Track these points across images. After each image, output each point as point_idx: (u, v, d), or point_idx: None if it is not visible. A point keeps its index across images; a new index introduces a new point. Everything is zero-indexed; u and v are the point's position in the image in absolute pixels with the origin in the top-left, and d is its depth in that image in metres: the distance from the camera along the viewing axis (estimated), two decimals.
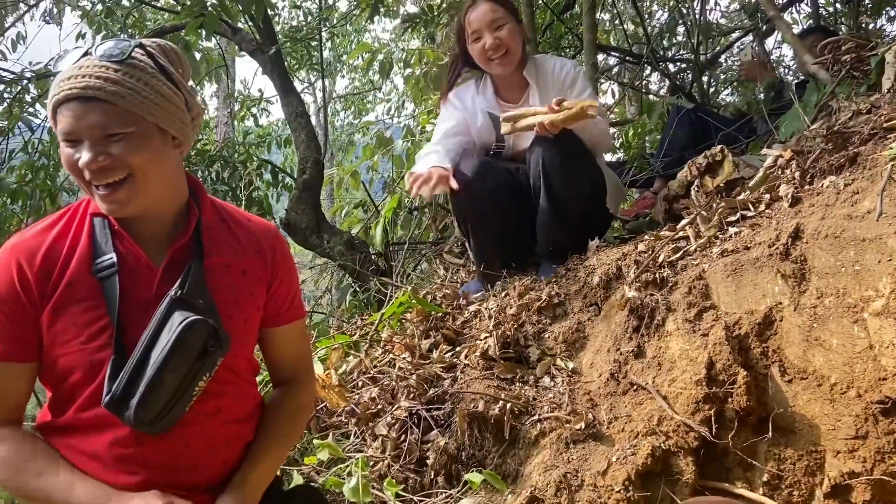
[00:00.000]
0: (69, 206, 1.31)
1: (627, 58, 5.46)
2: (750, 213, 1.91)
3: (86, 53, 1.21)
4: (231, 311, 1.31)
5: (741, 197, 1.98)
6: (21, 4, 4.93)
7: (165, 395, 1.18)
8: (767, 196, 1.91)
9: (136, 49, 1.22)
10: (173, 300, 1.21)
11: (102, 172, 1.17)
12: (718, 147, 2.12)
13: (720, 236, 1.92)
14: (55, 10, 5.53)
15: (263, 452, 1.37)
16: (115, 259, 1.23)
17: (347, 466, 1.73)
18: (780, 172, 1.94)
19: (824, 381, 1.54)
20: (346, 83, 13.87)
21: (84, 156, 1.16)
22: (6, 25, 4.84)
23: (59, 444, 1.25)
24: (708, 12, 5.69)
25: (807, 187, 1.81)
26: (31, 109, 5.35)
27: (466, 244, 2.75)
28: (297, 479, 1.70)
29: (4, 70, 5.25)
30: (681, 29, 6.27)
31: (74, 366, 1.22)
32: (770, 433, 1.57)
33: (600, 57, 5.55)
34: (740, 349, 1.67)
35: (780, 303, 1.67)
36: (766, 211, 1.88)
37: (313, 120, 5.72)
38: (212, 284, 1.29)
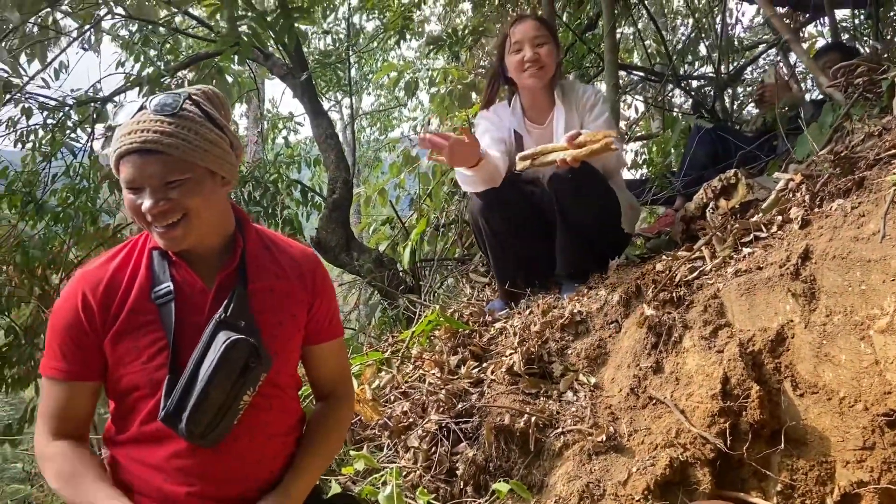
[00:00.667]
0: (129, 240, 1.46)
1: (650, 77, 5.53)
2: (763, 235, 1.99)
3: (141, 108, 1.35)
4: (275, 331, 1.44)
5: (754, 219, 2.06)
6: (64, 38, 5.15)
7: (212, 408, 1.31)
8: (779, 218, 1.99)
9: (185, 101, 1.35)
10: (218, 322, 1.35)
11: (163, 216, 1.31)
12: (732, 171, 2.21)
13: (734, 256, 2.01)
14: (94, 39, 5.75)
15: (306, 464, 1.49)
16: (171, 287, 1.37)
17: (382, 476, 1.84)
18: (791, 195, 2.02)
19: (833, 395, 1.62)
20: (372, 100, 14.09)
21: (146, 202, 1.30)
22: (50, 58, 5.07)
23: (123, 455, 1.39)
24: (730, 28, 5.76)
25: (816, 210, 1.89)
26: (72, 135, 5.58)
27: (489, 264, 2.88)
28: (335, 488, 1.81)
29: (47, 98, 5.49)
30: (703, 45, 6.34)
31: (137, 383, 1.36)
32: (783, 445, 1.64)
33: (623, 74, 5.65)
34: (754, 365, 1.75)
35: (792, 320, 1.75)
36: (778, 232, 1.96)
37: (340, 136, 5.87)
38: (257, 307, 1.42)
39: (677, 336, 1.90)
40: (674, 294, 1.98)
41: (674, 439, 1.74)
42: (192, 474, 1.36)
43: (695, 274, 2.03)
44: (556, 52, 2.75)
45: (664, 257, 2.27)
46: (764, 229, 2.00)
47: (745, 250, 1.98)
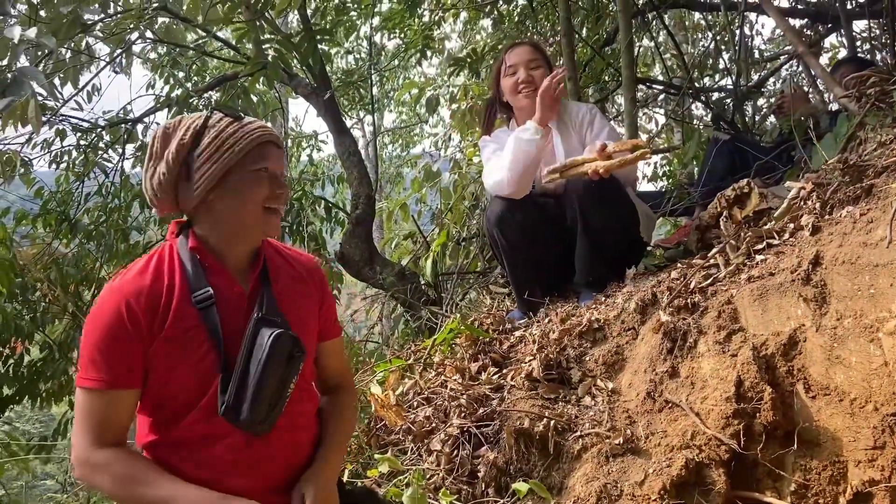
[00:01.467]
0: (153, 252, 1.53)
1: (669, 90, 5.58)
2: (775, 242, 2.04)
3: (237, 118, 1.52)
4: (300, 328, 1.55)
5: (767, 226, 2.11)
6: (96, 61, 5.34)
7: (269, 397, 1.42)
8: (791, 225, 2.04)
9: None
10: (257, 320, 1.47)
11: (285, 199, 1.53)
12: (745, 181, 2.26)
13: (748, 263, 2.05)
14: (125, 62, 5.94)
15: (332, 446, 1.62)
16: (211, 291, 1.46)
17: (406, 478, 1.91)
18: (802, 203, 2.07)
19: (845, 397, 1.66)
20: (394, 117, 14.27)
21: (278, 189, 1.51)
22: (83, 81, 5.25)
23: (171, 456, 1.45)
24: (749, 39, 5.80)
25: (826, 217, 1.93)
26: (104, 155, 5.76)
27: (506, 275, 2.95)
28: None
29: (81, 120, 5.68)
30: (722, 56, 6.37)
31: (186, 385, 1.44)
32: (796, 445, 1.68)
33: (643, 88, 5.70)
34: (767, 368, 1.79)
35: (804, 325, 1.79)
36: (790, 239, 2.01)
37: (362, 153, 6.01)
38: (283, 307, 1.54)
39: (692, 341, 1.95)
40: (689, 300, 2.03)
41: (689, 441, 1.79)
42: (244, 464, 1.45)
43: (709, 281, 2.08)
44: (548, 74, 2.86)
45: (679, 265, 2.32)
46: (776, 236, 2.05)
47: (758, 257, 2.03)
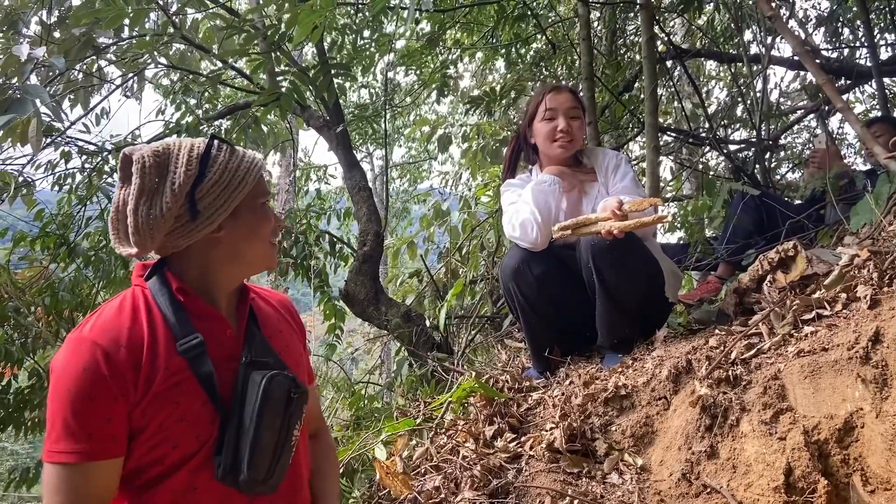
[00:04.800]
0: (122, 295, 1.35)
1: (689, 139, 5.47)
2: (826, 312, 1.87)
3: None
4: (295, 369, 1.42)
5: (816, 295, 1.94)
6: (107, 85, 5.26)
7: (268, 449, 1.26)
8: (844, 296, 1.87)
9: None
10: (246, 364, 1.32)
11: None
12: (791, 242, 2.10)
13: (795, 335, 1.88)
14: (136, 87, 5.86)
15: (331, 494, 1.54)
16: (201, 338, 1.28)
17: None
18: (856, 272, 1.90)
19: None
20: (403, 151, 14.28)
21: (278, 220, 1.43)
22: (92, 104, 5.16)
23: None
24: (769, 92, 5.72)
25: (885, 289, 1.77)
26: (108, 179, 5.64)
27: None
28: None
29: (87, 142, 5.57)
30: (740, 108, 6.30)
31: (179, 444, 1.25)
32: None
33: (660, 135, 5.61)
34: (820, 455, 1.61)
35: (861, 409, 1.61)
36: (843, 311, 1.84)
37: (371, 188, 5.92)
38: (275, 347, 1.41)
39: (734, 419, 1.77)
40: (730, 372, 1.85)
41: None
42: None
43: (752, 352, 1.90)
44: (584, 126, 2.81)
45: (717, 332, 2.14)
46: (827, 307, 1.88)
47: (807, 328, 1.86)
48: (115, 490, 1.26)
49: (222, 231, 1.33)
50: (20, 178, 4.91)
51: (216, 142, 1.35)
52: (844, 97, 5.25)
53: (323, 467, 1.58)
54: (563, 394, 2.25)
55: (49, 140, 4.84)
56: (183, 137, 1.40)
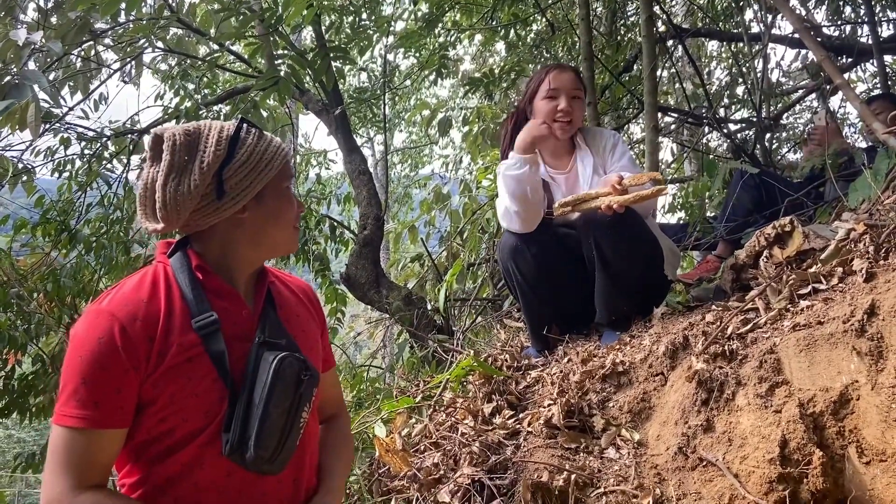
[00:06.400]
0: (145, 270, 1.38)
1: (689, 119, 5.45)
2: (822, 287, 1.87)
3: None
4: (308, 352, 1.43)
5: (813, 269, 1.94)
6: (106, 69, 5.24)
7: (276, 429, 1.28)
8: (840, 269, 1.87)
9: None
10: (259, 344, 1.34)
11: None
12: (788, 218, 2.10)
13: (791, 309, 1.88)
14: (133, 72, 5.85)
15: (336, 473, 1.53)
16: (216, 316, 1.31)
17: None
18: (852, 246, 1.90)
19: None
20: (403, 137, 14.25)
21: (300, 206, 1.48)
22: (91, 88, 5.14)
23: (157, 499, 1.29)
24: (769, 72, 5.69)
25: (881, 262, 1.77)
26: (108, 165, 5.64)
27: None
28: None
29: (86, 128, 5.56)
30: (741, 88, 6.26)
31: (187, 420, 1.27)
32: None
33: (659, 116, 5.59)
34: (815, 428, 1.62)
35: (857, 381, 1.62)
36: (839, 285, 1.84)
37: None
38: (289, 329, 1.43)
39: (730, 393, 1.78)
40: (726, 347, 1.86)
41: None
42: (253, 498, 1.33)
43: (748, 326, 1.91)
44: (584, 107, 2.82)
45: (714, 307, 2.15)
46: (823, 281, 1.88)
47: (803, 303, 1.86)
48: (115, 459, 1.28)
49: (246, 213, 1.36)
50: (20, 165, 4.92)
51: (245, 125, 1.37)
52: (845, 75, 5.23)
53: (334, 446, 1.59)
54: (561, 371, 2.26)
55: (48, 126, 4.83)
56: (211, 120, 1.41)
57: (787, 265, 2.06)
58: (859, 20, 5.77)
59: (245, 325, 1.37)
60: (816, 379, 1.69)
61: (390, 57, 6.93)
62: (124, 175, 5.58)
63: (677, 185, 6.22)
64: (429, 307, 4.52)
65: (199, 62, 5.79)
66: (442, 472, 1.96)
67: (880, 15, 5.57)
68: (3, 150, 4.83)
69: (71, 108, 5.04)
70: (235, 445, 1.26)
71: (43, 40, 3.49)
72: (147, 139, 1.37)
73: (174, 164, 1.31)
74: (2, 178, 4.51)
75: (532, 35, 6.37)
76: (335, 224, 5.91)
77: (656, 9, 4.78)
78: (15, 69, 3.38)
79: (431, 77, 5.05)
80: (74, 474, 1.22)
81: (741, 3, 5.32)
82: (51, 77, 4.75)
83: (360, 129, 9.09)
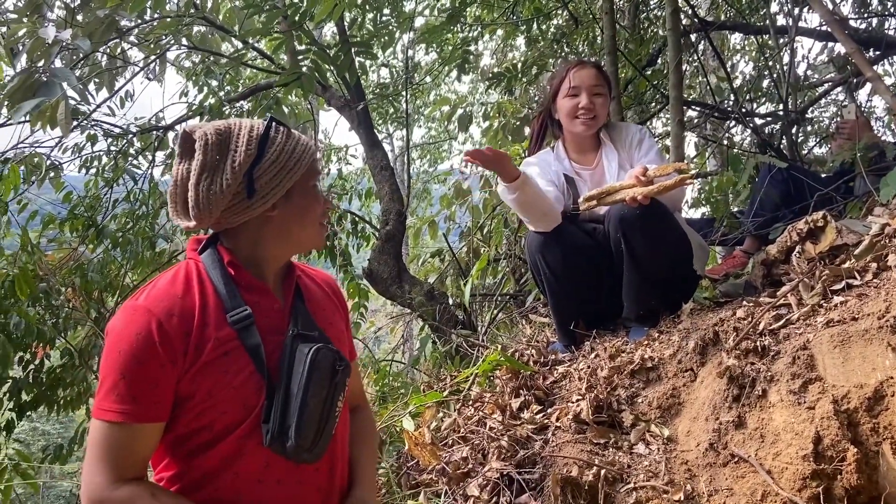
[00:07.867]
0: (176, 268, 1.39)
1: (714, 113, 5.39)
2: (856, 282, 1.85)
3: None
4: (338, 343, 1.45)
5: (846, 265, 1.92)
6: (132, 67, 5.30)
7: (315, 418, 1.31)
8: (874, 265, 1.85)
9: None
10: (293, 337, 1.36)
11: None
12: (821, 213, 2.07)
13: (824, 305, 1.86)
14: (158, 69, 5.90)
15: (366, 464, 1.55)
16: (249, 311, 1.33)
17: None
18: (887, 241, 1.88)
19: None
20: (423, 132, 14.26)
21: (327, 203, 1.47)
22: (117, 87, 5.20)
23: (195, 492, 1.30)
24: (795, 65, 5.61)
25: None
26: (134, 161, 5.71)
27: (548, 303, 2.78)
28: None
29: (112, 125, 5.62)
30: (766, 82, 6.18)
31: (227, 412, 1.29)
32: None
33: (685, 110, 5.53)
34: (849, 424, 1.61)
35: (892, 377, 1.60)
36: (874, 281, 1.82)
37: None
38: (318, 322, 1.45)
39: (762, 389, 1.76)
40: (757, 343, 1.85)
41: (759, 502, 1.61)
42: (297, 493, 1.35)
43: (780, 322, 1.89)
44: (608, 104, 2.76)
45: (745, 303, 2.13)
46: (857, 276, 1.86)
47: (837, 299, 1.84)
48: (153, 452, 1.31)
49: (276, 210, 1.38)
50: (48, 162, 4.99)
51: (274, 124, 1.39)
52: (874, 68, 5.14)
53: (361, 437, 1.61)
54: (588, 367, 2.25)
55: (76, 123, 4.89)
56: (242, 118, 1.43)
57: (820, 261, 2.04)
58: (887, 13, 5.68)
59: (277, 318, 1.39)
60: (850, 375, 1.68)
61: (411, 53, 6.94)
62: (149, 171, 5.64)
63: (700, 179, 6.16)
64: (451, 302, 4.52)
65: (223, 59, 5.82)
66: (470, 465, 1.97)
67: None
68: (34, 147, 4.90)
69: (98, 106, 5.10)
70: (276, 435, 1.28)
71: (70, 38, 3.54)
72: (179, 135, 1.38)
73: (206, 163, 1.33)
74: (33, 174, 4.57)
75: (553, 29, 6.33)
76: (357, 219, 5.93)
77: (681, 2, 4.73)
78: (43, 67, 3.42)
79: (454, 73, 5.03)
80: (113, 467, 1.24)
81: None
82: (77, 74, 4.80)
83: (380, 126, 9.10)
